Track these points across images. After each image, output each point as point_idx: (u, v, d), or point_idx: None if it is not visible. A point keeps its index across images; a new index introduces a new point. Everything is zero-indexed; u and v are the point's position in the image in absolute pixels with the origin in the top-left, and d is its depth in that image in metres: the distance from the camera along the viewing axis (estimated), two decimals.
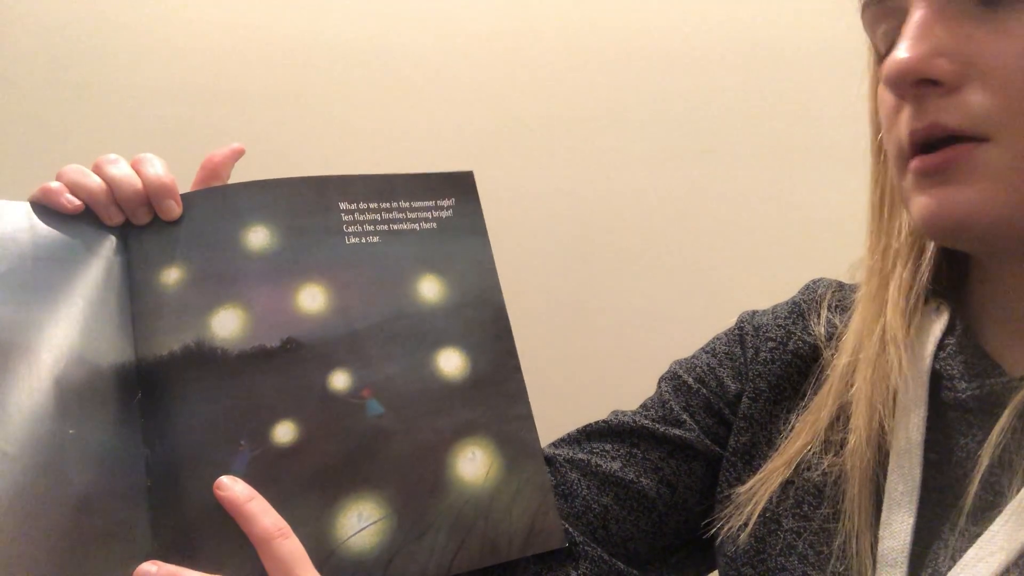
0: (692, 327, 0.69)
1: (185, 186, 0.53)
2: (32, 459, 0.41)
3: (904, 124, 0.41)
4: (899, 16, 0.41)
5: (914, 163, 0.41)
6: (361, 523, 0.46)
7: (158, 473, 0.45)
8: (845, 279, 0.58)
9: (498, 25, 1.11)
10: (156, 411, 0.46)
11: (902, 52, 0.39)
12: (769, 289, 0.65)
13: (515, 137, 1.11)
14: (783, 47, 1.13)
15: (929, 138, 0.40)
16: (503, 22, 1.11)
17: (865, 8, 0.44)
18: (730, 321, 0.63)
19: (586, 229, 1.12)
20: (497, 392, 0.52)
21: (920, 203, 0.41)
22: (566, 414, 0.63)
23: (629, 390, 0.67)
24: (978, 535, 0.41)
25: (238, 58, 1.07)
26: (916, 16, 0.39)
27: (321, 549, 0.45)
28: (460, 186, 0.56)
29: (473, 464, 0.49)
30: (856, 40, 0.48)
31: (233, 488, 0.44)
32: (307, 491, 0.46)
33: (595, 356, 1.09)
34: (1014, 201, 0.39)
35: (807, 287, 0.59)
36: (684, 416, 0.57)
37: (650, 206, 1.12)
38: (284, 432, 0.47)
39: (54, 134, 1.02)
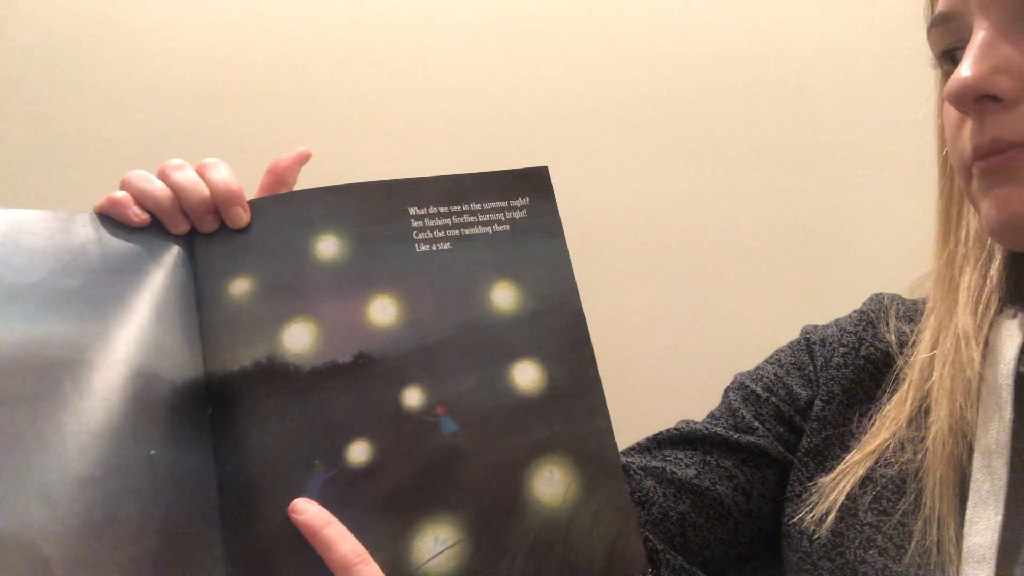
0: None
1: None
2: (120, 482, 0.40)
3: (967, 138, 0.43)
4: (963, 35, 0.43)
5: (978, 165, 0.43)
6: (438, 546, 0.45)
7: (231, 493, 0.44)
8: (905, 295, 0.59)
9: (504, 23, 1.06)
10: (228, 428, 0.45)
11: (965, 70, 0.41)
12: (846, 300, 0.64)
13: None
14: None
15: (991, 152, 0.42)
16: (508, 19, 1.06)
17: (931, 28, 0.45)
18: (795, 333, 0.63)
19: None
20: (576, 405, 0.49)
21: (987, 205, 0.43)
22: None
23: (688, 401, 0.67)
24: None
25: (242, 57, 1.04)
26: (979, 36, 0.41)
27: (399, 574, 0.43)
28: (534, 183, 0.53)
29: (551, 484, 0.47)
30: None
31: (309, 512, 0.43)
32: (383, 514, 0.44)
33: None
34: None
35: (872, 299, 0.60)
36: (756, 423, 0.58)
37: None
38: (359, 452, 0.45)
39: (54, 134, 1.01)
